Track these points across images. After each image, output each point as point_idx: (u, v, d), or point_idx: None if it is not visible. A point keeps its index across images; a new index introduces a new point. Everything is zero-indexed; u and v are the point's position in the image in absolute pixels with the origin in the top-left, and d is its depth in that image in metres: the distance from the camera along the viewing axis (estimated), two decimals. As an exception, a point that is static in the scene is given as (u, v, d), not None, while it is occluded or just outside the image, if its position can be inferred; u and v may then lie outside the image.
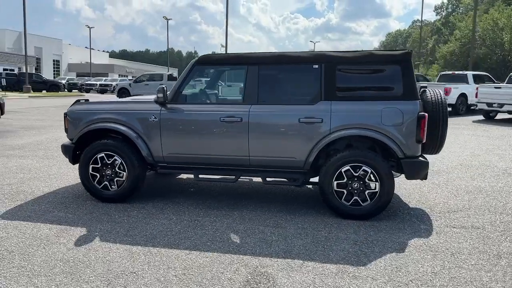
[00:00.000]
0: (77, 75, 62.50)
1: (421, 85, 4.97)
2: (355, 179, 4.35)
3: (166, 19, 49.99)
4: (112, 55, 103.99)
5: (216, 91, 6.47)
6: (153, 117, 4.73)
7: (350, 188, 4.38)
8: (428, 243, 3.84)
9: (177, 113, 4.72)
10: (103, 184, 4.87)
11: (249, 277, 3.13)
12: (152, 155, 4.78)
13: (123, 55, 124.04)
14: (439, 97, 4.61)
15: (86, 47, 69.65)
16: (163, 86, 4.70)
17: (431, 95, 4.65)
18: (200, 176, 4.83)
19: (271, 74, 4.66)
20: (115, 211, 4.60)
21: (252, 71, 4.60)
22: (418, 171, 4.40)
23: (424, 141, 4.34)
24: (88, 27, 59.37)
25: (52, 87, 36.48)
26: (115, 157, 4.78)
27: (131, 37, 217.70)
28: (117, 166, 4.80)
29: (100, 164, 4.84)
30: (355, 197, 4.39)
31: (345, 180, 4.38)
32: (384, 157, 4.44)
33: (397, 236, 3.98)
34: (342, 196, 4.41)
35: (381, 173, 4.29)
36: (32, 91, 32.24)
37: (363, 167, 4.33)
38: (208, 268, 3.27)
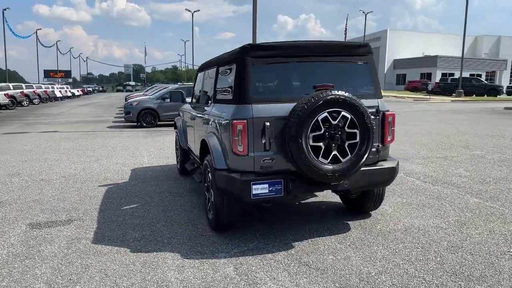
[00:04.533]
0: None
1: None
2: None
3: None
4: None
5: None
6: (181, 114, 6.28)
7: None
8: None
9: (183, 112, 6.03)
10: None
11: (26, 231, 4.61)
12: (186, 144, 6.33)
13: None
14: (303, 102, 3.44)
15: None
16: (181, 91, 6.15)
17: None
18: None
19: (208, 77, 5.04)
20: (163, 178, 6.61)
21: (204, 75, 5.21)
22: (222, 186, 3.67)
23: (241, 153, 3.56)
24: None
25: (491, 91, 35.27)
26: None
27: None
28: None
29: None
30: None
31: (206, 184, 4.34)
32: None
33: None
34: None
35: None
36: (464, 95, 32.92)
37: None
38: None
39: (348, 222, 4.34)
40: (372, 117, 3.84)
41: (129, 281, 3.14)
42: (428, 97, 32.72)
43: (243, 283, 3.07)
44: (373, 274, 3.18)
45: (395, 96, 37.34)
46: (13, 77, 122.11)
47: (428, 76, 52.87)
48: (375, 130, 3.81)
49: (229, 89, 3.94)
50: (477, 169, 6.79)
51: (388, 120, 3.92)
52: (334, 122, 3.46)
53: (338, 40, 4.00)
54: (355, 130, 3.52)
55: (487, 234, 3.94)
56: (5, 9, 43.04)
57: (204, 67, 5.41)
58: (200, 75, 5.68)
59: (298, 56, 3.79)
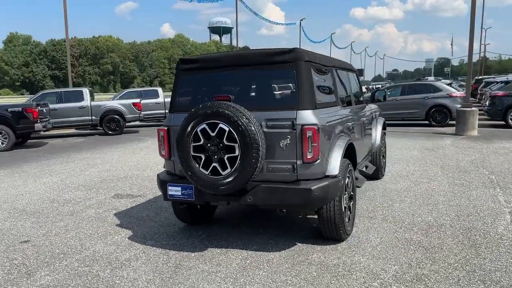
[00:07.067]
0: None
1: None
2: None
3: None
4: None
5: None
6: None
7: None
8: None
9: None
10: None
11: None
12: None
13: None
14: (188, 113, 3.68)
15: None
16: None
17: None
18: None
19: None
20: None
21: None
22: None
23: (164, 157, 4.03)
24: None
25: None
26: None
27: None
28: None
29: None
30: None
31: None
32: None
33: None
34: None
35: None
36: None
37: None
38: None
39: (298, 243, 3.94)
40: (288, 130, 3.47)
41: (71, 244, 4.15)
42: None
43: (119, 266, 3.58)
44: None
45: None
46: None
47: None
48: (284, 144, 3.46)
49: None
50: None
51: (306, 135, 3.39)
52: (212, 134, 3.42)
53: (264, 48, 3.67)
54: (234, 144, 3.35)
55: (411, 300, 2.85)
56: (301, 20, 50.34)
57: None
58: None
59: (216, 68, 3.85)
